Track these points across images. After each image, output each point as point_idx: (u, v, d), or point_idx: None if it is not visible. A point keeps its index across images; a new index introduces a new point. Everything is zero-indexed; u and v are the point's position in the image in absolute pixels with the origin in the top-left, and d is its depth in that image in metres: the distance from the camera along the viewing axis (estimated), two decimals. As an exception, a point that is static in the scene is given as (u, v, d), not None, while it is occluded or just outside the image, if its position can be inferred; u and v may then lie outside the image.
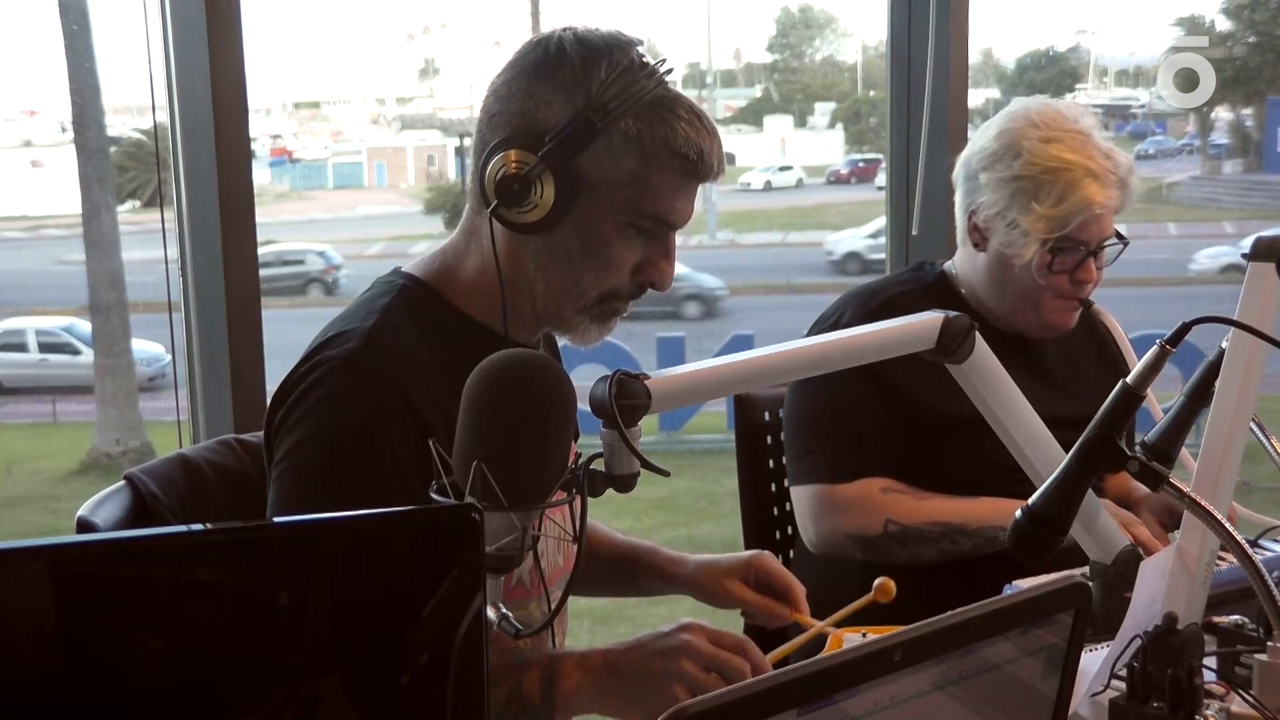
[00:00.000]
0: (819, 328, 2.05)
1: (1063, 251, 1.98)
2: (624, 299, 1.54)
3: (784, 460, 2.16)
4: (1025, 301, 2.03)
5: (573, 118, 1.45)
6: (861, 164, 15.57)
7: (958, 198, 2.09)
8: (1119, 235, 2.01)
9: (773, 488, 2.27)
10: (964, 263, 2.10)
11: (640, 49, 1.50)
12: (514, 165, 1.45)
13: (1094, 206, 1.95)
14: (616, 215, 1.49)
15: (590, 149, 1.45)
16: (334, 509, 0.91)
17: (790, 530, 2.23)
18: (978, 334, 1.56)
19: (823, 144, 16.49)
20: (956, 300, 2.07)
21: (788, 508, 2.21)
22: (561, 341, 1.69)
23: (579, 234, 1.49)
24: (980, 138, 2.06)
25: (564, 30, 1.50)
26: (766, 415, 2.25)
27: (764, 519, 2.26)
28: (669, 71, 1.49)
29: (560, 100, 1.46)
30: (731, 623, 1.86)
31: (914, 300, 1.99)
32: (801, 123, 16.78)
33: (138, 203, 9.84)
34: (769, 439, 2.26)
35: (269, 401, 1.52)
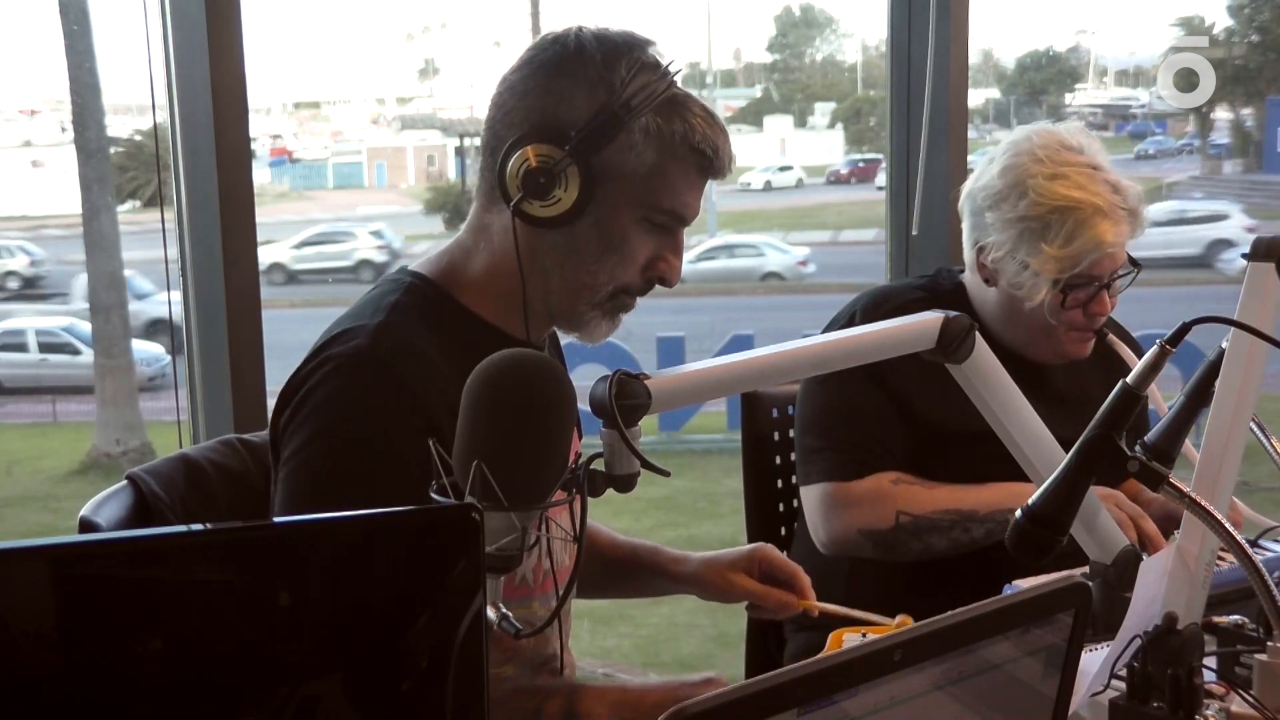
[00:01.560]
0: (831, 329, 2.04)
1: (1075, 288, 1.95)
2: (634, 294, 1.55)
3: (792, 459, 2.16)
4: (1039, 335, 2.01)
5: (597, 112, 1.46)
6: (861, 164, 15.59)
7: (965, 229, 2.06)
8: (1132, 261, 1.98)
9: (778, 484, 2.27)
10: (975, 290, 2.08)
11: (654, 49, 1.51)
12: (536, 160, 1.45)
13: (1105, 245, 1.92)
14: (634, 209, 1.50)
15: (613, 144, 1.47)
16: (341, 508, 0.91)
17: (795, 525, 2.23)
18: (978, 334, 1.56)
19: (823, 144, 16.51)
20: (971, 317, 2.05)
21: (794, 504, 2.22)
22: (566, 340, 1.69)
23: (598, 228, 1.49)
24: (984, 173, 2.02)
25: (579, 29, 1.51)
26: (774, 412, 2.26)
27: (768, 516, 2.27)
28: (679, 72, 1.51)
29: (582, 96, 1.47)
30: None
31: (927, 310, 1.98)
32: (801, 123, 16.80)
33: (138, 203, 9.85)
34: (775, 435, 2.26)
35: (276, 398, 1.52)
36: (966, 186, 2.07)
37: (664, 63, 1.50)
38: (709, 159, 1.51)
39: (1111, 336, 2.01)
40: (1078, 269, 1.93)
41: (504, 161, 1.47)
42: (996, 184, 1.99)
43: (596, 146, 1.46)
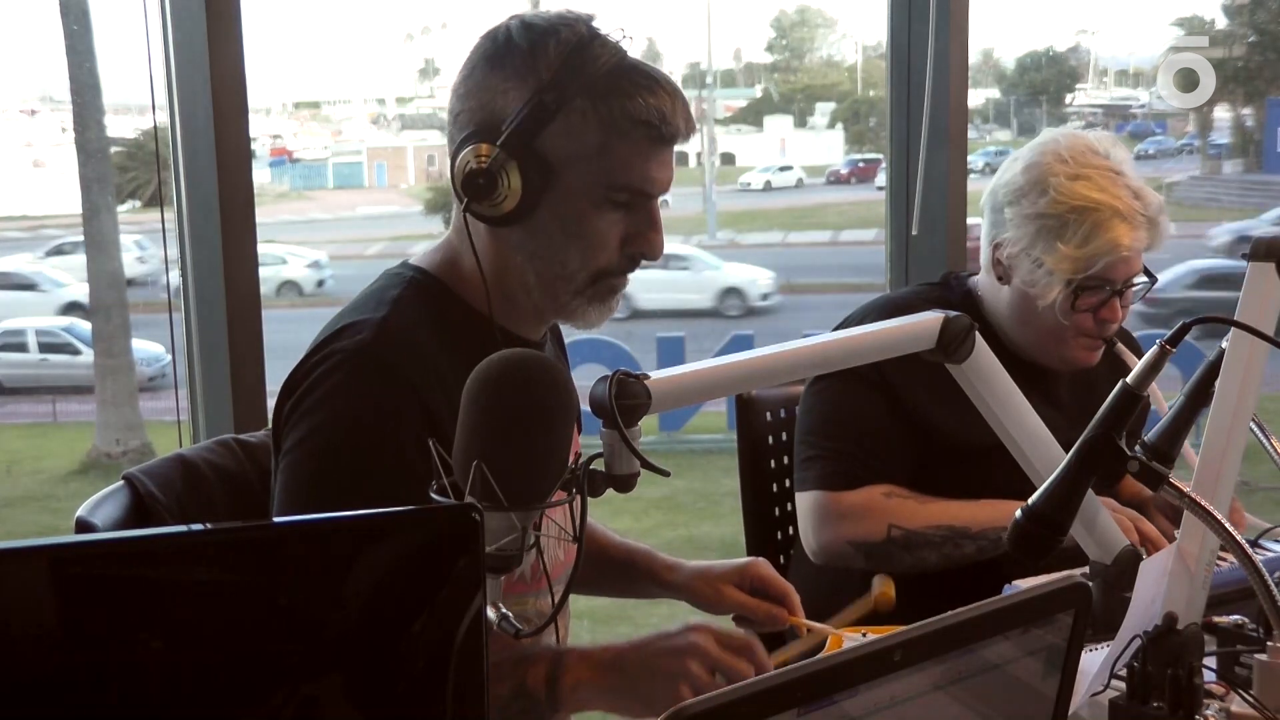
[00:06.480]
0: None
1: (1087, 291, 1.94)
2: (617, 275, 1.53)
3: (787, 462, 2.15)
4: (1049, 338, 2.00)
5: (525, 102, 1.44)
6: (861, 164, 15.60)
7: (983, 226, 2.06)
8: (1147, 272, 1.97)
9: (774, 488, 2.27)
10: (988, 290, 2.07)
11: (593, 23, 1.47)
12: (477, 160, 1.45)
13: (1120, 249, 1.90)
14: (590, 192, 1.47)
15: (548, 130, 1.44)
16: (340, 502, 0.91)
17: (791, 531, 2.23)
18: (978, 334, 1.56)
19: (823, 144, 16.52)
20: (980, 323, 2.05)
21: (789, 508, 2.21)
22: (569, 331, 1.69)
23: (557, 217, 1.48)
24: (1008, 169, 2.02)
25: (511, 19, 1.49)
26: (768, 415, 2.25)
27: (765, 519, 2.26)
28: (626, 39, 1.47)
29: (514, 88, 1.45)
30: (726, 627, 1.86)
31: None
32: (801, 123, 16.80)
33: (138, 203, 9.86)
34: (770, 440, 2.26)
35: (278, 392, 1.51)
36: (990, 185, 2.06)
37: (604, 34, 1.46)
38: (657, 128, 1.46)
39: (1120, 346, 2.00)
40: (1091, 271, 1.92)
41: (453, 164, 1.47)
42: (1019, 180, 1.98)
43: (531, 136, 1.44)
